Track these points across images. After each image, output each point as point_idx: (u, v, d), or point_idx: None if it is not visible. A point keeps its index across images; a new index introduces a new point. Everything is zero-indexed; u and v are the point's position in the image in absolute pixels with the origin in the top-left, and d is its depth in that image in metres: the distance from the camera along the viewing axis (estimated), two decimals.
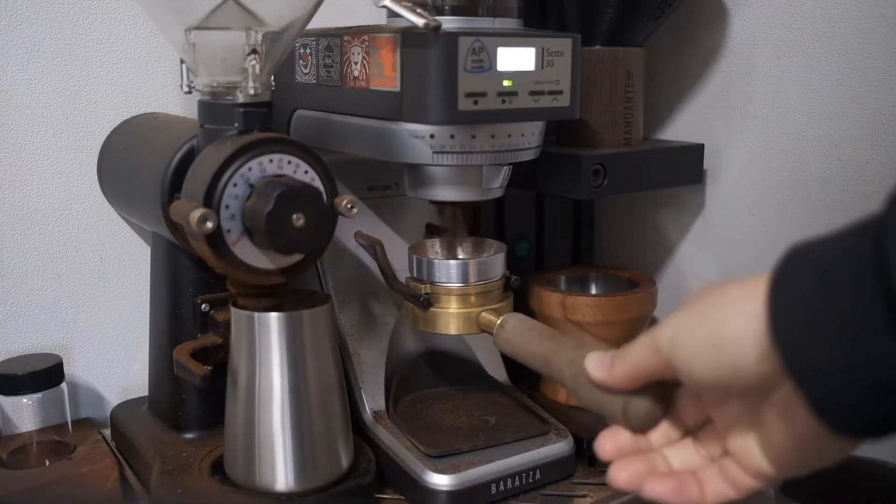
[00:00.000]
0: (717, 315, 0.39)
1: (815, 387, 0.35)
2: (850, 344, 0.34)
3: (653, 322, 0.94)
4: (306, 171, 0.59)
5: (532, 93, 0.63)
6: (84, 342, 0.84)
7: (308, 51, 0.73)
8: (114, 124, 0.81)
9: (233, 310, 0.63)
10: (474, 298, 0.67)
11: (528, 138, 0.66)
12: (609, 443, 0.47)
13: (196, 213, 0.54)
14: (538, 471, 0.70)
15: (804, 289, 0.35)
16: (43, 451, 0.72)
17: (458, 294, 0.67)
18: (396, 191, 0.78)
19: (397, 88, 0.62)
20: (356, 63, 0.66)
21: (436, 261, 0.68)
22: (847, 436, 0.36)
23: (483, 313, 0.67)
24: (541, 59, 0.63)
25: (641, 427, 0.48)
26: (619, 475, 0.45)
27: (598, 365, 0.47)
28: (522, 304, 0.80)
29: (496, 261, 0.69)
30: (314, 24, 0.64)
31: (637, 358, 0.45)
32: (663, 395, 0.48)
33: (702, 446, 0.46)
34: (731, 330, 0.38)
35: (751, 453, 0.42)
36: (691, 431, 0.47)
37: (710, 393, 0.45)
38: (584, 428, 0.75)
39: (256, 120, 0.59)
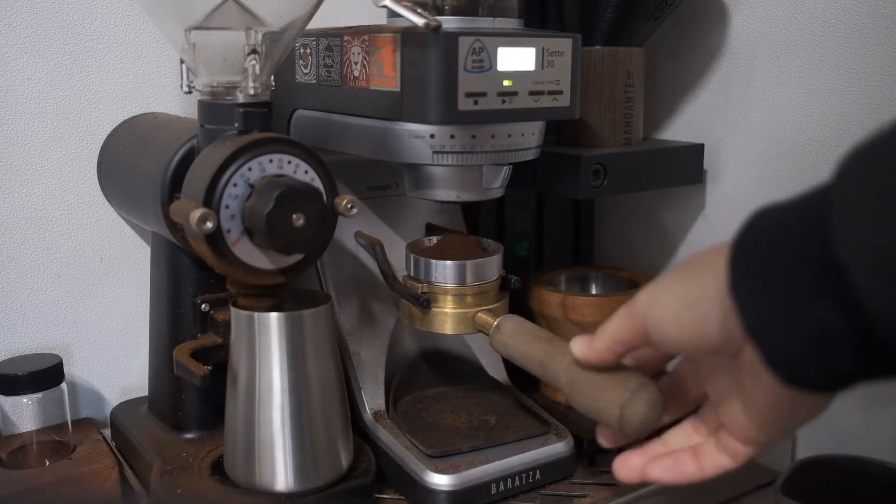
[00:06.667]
0: (687, 275, 0.42)
1: (766, 341, 0.38)
2: (797, 303, 0.36)
3: None
4: (306, 171, 0.59)
5: (532, 93, 0.63)
6: (84, 342, 0.84)
7: (308, 51, 0.73)
8: (114, 124, 0.81)
9: (233, 310, 0.63)
10: (470, 299, 0.67)
11: (528, 138, 0.66)
12: (606, 431, 0.51)
13: (196, 213, 0.54)
14: (538, 471, 0.70)
15: (761, 249, 0.38)
16: (43, 451, 0.72)
17: (454, 294, 0.67)
18: (396, 191, 0.78)
19: (397, 88, 0.62)
20: (356, 63, 0.66)
21: (433, 261, 0.68)
22: (799, 389, 0.39)
23: (479, 314, 0.67)
24: (541, 59, 0.63)
25: (636, 433, 0.49)
26: (620, 472, 0.48)
27: (581, 345, 0.50)
28: (522, 304, 0.80)
29: (492, 262, 0.69)
30: (314, 24, 0.64)
31: (615, 328, 0.47)
32: (658, 401, 0.48)
33: (701, 423, 0.48)
34: (699, 288, 0.41)
35: (738, 419, 0.44)
36: (693, 409, 0.49)
37: (685, 355, 0.48)
38: (584, 428, 0.75)
39: (256, 120, 0.59)
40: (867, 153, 0.33)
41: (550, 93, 0.64)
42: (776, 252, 0.37)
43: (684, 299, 0.42)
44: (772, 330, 0.37)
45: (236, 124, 0.59)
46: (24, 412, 0.71)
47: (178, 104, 0.85)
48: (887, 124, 0.33)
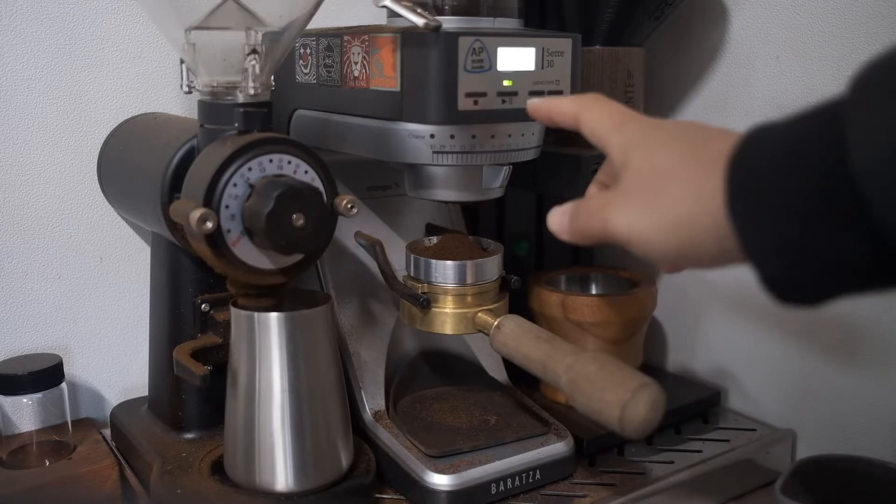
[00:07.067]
0: (670, 191, 0.40)
1: (766, 264, 0.37)
2: (804, 226, 0.35)
3: (653, 323, 0.94)
4: (306, 171, 0.59)
5: (532, 93, 0.63)
6: (84, 342, 0.84)
7: (308, 51, 0.73)
8: (114, 124, 0.81)
9: (233, 310, 0.63)
10: (471, 299, 0.67)
11: (528, 138, 0.66)
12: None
13: (196, 213, 0.54)
14: (538, 471, 0.70)
15: (762, 169, 0.36)
16: (43, 451, 0.72)
17: (454, 294, 0.67)
18: (396, 191, 0.78)
19: (397, 88, 0.62)
20: (356, 63, 0.66)
21: (433, 261, 0.68)
22: (791, 305, 0.38)
23: (479, 314, 0.67)
24: (541, 59, 0.63)
25: (637, 433, 0.49)
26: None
27: (557, 222, 0.49)
28: (522, 304, 0.80)
29: (493, 262, 0.69)
30: (314, 24, 0.64)
31: (589, 234, 0.46)
32: (658, 401, 0.48)
33: None
34: (689, 207, 0.39)
35: None
36: None
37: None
38: (584, 428, 0.75)
39: (256, 120, 0.59)
40: (884, 66, 0.32)
41: (550, 93, 0.64)
42: (781, 175, 0.35)
43: (674, 221, 0.40)
44: (775, 256, 0.36)
45: (236, 124, 0.59)
46: (24, 412, 0.71)
47: (178, 104, 0.85)
48: None
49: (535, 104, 0.54)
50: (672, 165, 0.41)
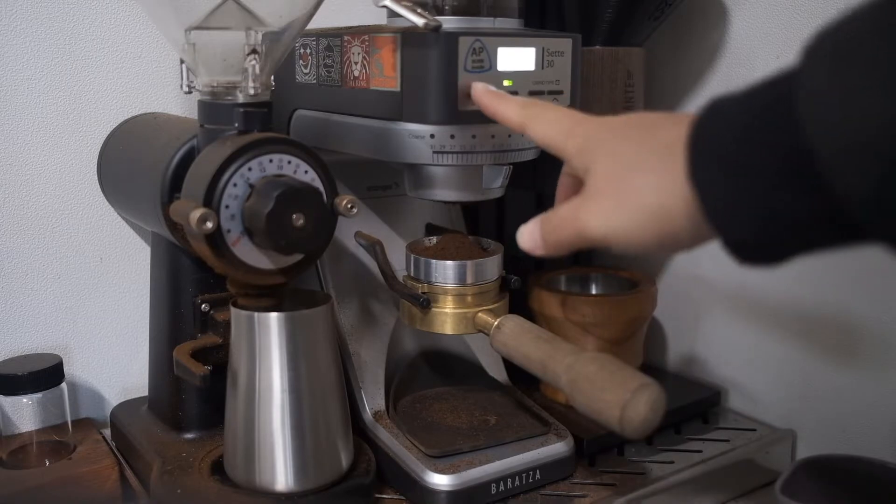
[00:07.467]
0: (641, 200, 0.41)
1: (728, 230, 0.38)
2: (763, 192, 0.36)
3: (653, 323, 0.94)
4: (306, 171, 0.59)
5: (532, 93, 0.63)
6: (84, 342, 0.84)
7: (308, 51, 0.73)
8: (114, 124, 0.81)
9: (233, 310, 0.63)
10: (471, 299, 0.67)
11: (528, 138, 0.66)
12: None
13: (196, 213, 0.54)
14: (538, 471, 0.70)
15: (722, 139, 0.38)
16: (43, 451, 0.72)
17: (454, 294, 0.67)
18: (396, 191, 0.78)
19: (397, 88, 0.62)
20: (356, 63, 0.66)
21: (433, 261, 0.68)
22: (753, 266, 0.39)
23: (480, 314, 0.67)
24: (541, 59, 0.63)
25: (637, 433, 0.49)
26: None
27: (528, 239, 0.51)
28: (523, 305, 0.80)
29: (493, 262, 0.69)
30: (314, 24, 0.64)
31: (564, 243, 0.47)
32: (658, 402, 0.48)
33: None
34: (664, 197, 0.40)
35: None
36: None
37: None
38: (584, 428, 0.75)
39: (256, 120, 0.59)
40: (834, 33, 0.33)
41: (550, 93, 0.64)
42: (741, 147, 0.36)
43: (647, 216, 0.41)
44: (738, 224, 0.37)
45: (236, 124, 0.59)
46: (24, 412, 0.71)
47: (178, 104, 0.85)
48: (850, 8, 0.33)
49: (479, 94, 0.55)
50: (632, 162, 0.42)
